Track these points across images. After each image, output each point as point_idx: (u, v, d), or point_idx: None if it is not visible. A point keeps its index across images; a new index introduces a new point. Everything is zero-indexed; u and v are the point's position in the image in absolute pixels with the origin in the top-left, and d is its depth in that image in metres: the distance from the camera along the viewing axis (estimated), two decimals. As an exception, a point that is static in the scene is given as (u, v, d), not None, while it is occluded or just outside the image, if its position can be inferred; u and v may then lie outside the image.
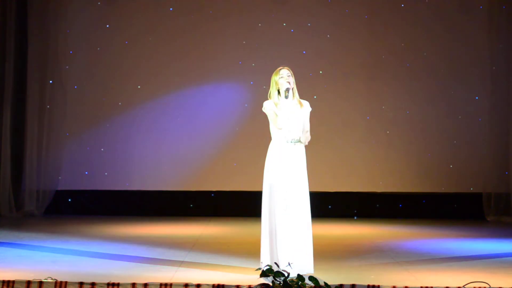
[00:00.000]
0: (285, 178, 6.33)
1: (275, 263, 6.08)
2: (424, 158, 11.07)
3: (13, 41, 10.78)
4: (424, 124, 11.09)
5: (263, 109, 6.44)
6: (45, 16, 10.89)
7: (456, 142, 11.08)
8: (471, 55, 11.08)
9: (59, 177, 11.04)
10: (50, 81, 10.94)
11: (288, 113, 6.35)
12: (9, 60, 10.76)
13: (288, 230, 6.26)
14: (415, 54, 11.09)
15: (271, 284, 5.72)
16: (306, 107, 6.46)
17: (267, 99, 6.47)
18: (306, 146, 6.49)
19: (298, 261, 6.23)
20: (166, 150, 11.06)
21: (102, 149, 11.06)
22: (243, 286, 5.72)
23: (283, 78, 6.39)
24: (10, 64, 10.76)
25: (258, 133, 10.33)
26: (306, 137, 6.48)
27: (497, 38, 10.92)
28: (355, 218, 10.96)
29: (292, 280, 5.73)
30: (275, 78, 6.42)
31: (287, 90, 6.36)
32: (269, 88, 6.48)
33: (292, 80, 6.40)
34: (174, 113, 11.08)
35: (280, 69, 6.43)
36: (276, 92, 6.43)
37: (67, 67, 11.04)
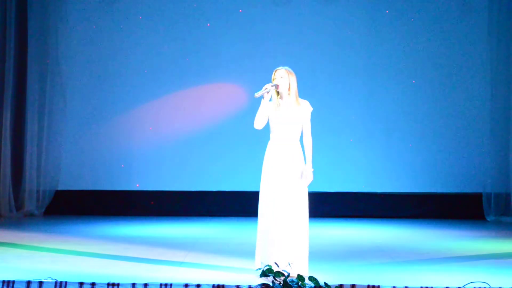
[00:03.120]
0: (281, 178, 6.33)
1: (275, 263, 6.08)
2: (424, 158, 11.06)
3: (13, 41, 10.77)
4: (424, 124, 11.09)
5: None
6: (45, 16, 10.89)
7: (456, 142, 11.08)
8: (471, 55, 11.07)
9: (59, 177, 11.03)
10: (50, 81, 10.94)
11: (283, 113, 6.36)
12: (9, 60, 10.75)
13: (283, 232, 6.26)
14: (415, 54, 11.09)
15: (271, 284, 5.73)
16: (305, 107, 6.45)
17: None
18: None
19: (292, 262, 6.22)
20: (166, 150, 11.06)
21: (102, 149, 11.05)
22: (243, 286, 5.72)
23: (275, 79, 6.40)
24: (10, 64, 10.76)
25: (258, 133, 10.32)
26: (309, 141, 6.49)
27: (497, 38, 10.92)
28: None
29: (292, 280, 5.73)
30: (272, 77, 6.44)
31: (265, 90, 6.31)
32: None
33: (284, 81, 6.37)
34: (174, 113, 11.08)
35: (277, 70, 6.44)
36: (275, 92, 6.44)
37: (67, 67, 11.04)
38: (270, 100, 6.41)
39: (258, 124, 6.41)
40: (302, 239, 6.31)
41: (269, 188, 6.34)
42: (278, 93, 6.42)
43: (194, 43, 11.07)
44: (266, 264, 6.08)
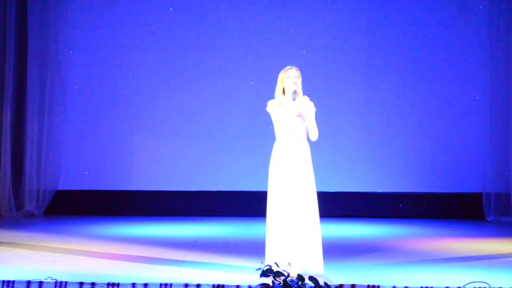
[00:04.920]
0: (289, 177, 6.35)
1: (275, 263, 6.08)
2: (424, 158, 11.06)
3: (13, 41, 10.77)
4: (424, 124, 11.09)
5: (267, 108, 6.47)
6: (45, 16, 10.90)
7: (456, 142, 11.08)
8: (471, 55, 11.08)
9: (59, 177, 11.03)
10: (50, 81, 10.94)
11: (292, 113, 6.38)
12: (9, 60, 10.75)
13: (294, 230, 6.28)
14: (415, 54, 11.09)
15: (271, 284, 5.72)
16: (310, 107, 6.48)
17: (268, 98, 6.50)
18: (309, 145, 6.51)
19: (307, 261, 6.24)
20: (166, 150, 11.06)
21: (102, 149, 11.06)
22: (243, 286, 5.72)
23: (290, 78, 6.39)
24: (10, 64, 10.76)
25: (258, 133, 10.34)
26: (313, 130, 6.49)
27: (497, 38, 10.92)
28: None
29: (292, 280, 5.73)
30: (282, 76, 6.43)
31: (294, 91, 6.38)
32: (268, 88, 6.50)
33: (298, 81, 6.41)
34: (174, 113, 11.08)
35: (289, 69, 6.43)
36: (281, 90, 6.45)
37: (67, 67, 11.04)
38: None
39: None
40: (316, 237, 6.33)
41: (278, 188, 6.35)
42: (284, 92, 6.44)
43: (194, 43, 11.07)
44: (262, 263, 6.11)
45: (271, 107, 6.42)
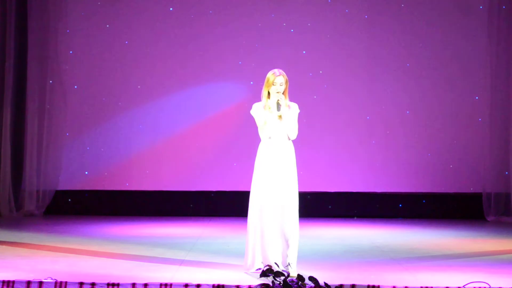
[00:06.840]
0: (272, 178, 6.40)
1: (275, 263, 6.09)
2: (424, 158, 11.06)
3: (13, 41, 10.77)
4: (424, 124, 11.09)
5: (251, 111, 6.54)
6: (45, 16, 10.89)
7: (456, 142, 11.08)
8: (471, 55, 11.07)
9: (59, 177, 11.03)
10: (50, 81, 10.94)
11: (275, 116, 6.43)
12: (9, 60, 10.75)
13: (275, 230, 6.34)
14: (415, 54, 11.09)
15: (271, 284, 5.73)
16: (294, 109, 6.54)
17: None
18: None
19: (283, 261, 6.29)
20: (165, 150, 11.06)
21: (102, 149, 11.06)
22: (243, 286, 5.72)
23: (275, 86, 6.43)
24: (10, 64, 10.76)
25: (258, 133, 10.33)
26: (292, 130, 6.49)
27: (497, 38, 10.91)
28: (355, 218, 10.94)
29: (292, 280, 5.73)
30: (269, 79, 6.46)
31: (278, 101, 6.42)
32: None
33: (283, 88, 6.44)
34: (174, 113, 11.08)
35: (277, 76, 6.44)
36: (267, 92, 6.49)
37: (67, 67, 11.04)
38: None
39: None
40: (293, 238, 6.38)
41: (260, 189, 6.42)
42: (269, 94, 6.48)
43: (193, 43, 11.06)
44: (262, 263, 6.12)
45: (255, 110, 6.49)
